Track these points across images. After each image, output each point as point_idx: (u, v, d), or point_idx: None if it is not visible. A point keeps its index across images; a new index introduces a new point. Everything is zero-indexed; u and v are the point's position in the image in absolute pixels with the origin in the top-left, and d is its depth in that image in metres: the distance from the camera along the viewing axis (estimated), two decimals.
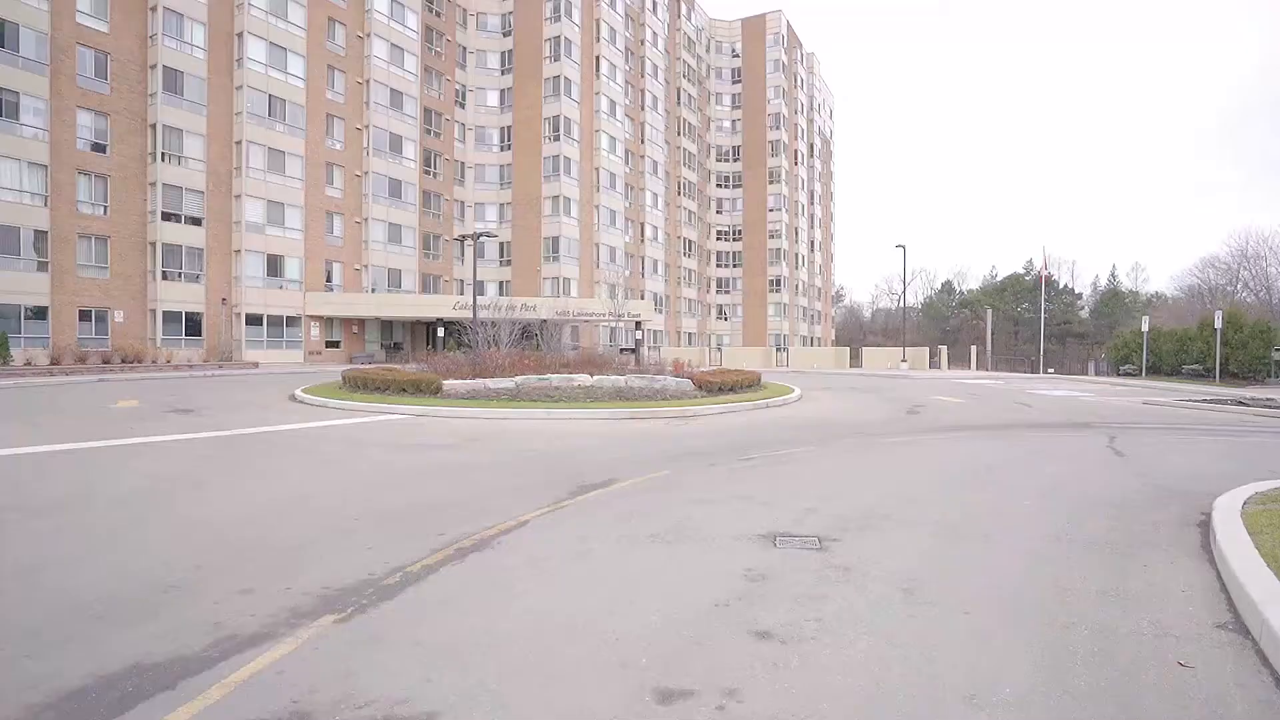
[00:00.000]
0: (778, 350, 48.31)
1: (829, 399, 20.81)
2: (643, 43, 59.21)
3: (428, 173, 47.25)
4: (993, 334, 50.04)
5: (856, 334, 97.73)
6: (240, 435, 11.87)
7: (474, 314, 22.15)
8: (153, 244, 33.48)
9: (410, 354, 39.78)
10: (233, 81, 36.07)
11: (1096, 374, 40.52)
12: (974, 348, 49.03)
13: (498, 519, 6.26)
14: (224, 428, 12.61)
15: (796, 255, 75.93)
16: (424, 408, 15.71)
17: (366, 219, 42.64)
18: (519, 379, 19.78)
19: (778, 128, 71.31)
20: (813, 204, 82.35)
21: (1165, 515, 6.43)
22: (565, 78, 49.41)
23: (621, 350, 49.72)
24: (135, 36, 33.19)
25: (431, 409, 15.56)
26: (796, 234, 76.08)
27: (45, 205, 30.26)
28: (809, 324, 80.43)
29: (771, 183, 71.63)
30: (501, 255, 52.34)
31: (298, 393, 18.60)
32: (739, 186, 73.45)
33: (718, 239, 74.04)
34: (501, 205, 51.97)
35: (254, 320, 36.67)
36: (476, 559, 5.11)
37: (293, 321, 38.45)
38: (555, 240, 49.64)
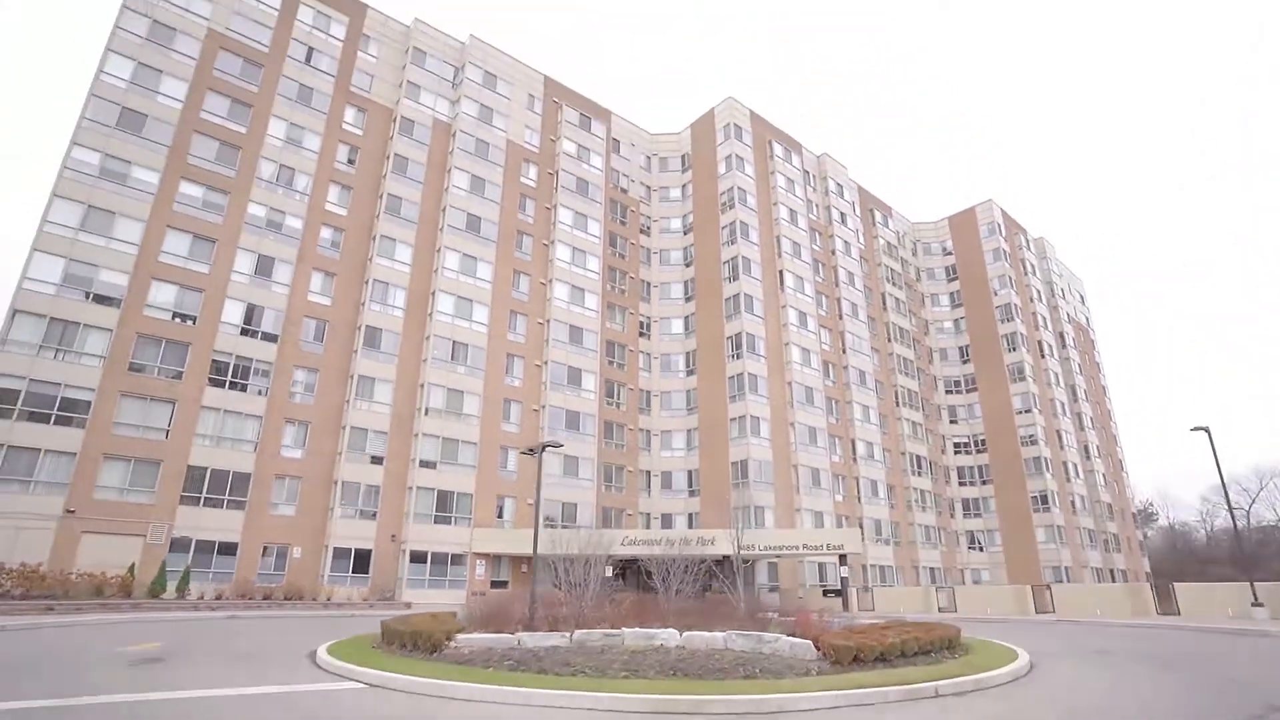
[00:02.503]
0: (938, 589, 36.06)
1: (1088, 680, 11.82)
2: (833, 253, 57.10)
3: (609, 403, 46.61)
4: None
5: (1189, 563, 72.71)
6: (117, 704, 8.25)
7: (534, 547, 17.35)
8: (336, 482, 35.11)
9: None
10: (422, 332, 39.60)
11: None
12: None
13: None
14: (139, 689, 9.18)
15: (1065, 464, 60.86)
16: (394, 675, 11.09)
17: None
18: (581, 634, 14.55)
19: (1010, 319, 62.01)
20: (1076, 401, 67.70)
21: None
22: (745, 294, 47.94)
23: (825, 592, 40.41)
24: (351, 304, 38.40)
25: (402, 677, 10.98)
26: (1060, 438, 61.82)
27: (254, 451, 33.49)
28: (1101, 551, 61.41)
29: (1015, 381, 60.70)
30: (690, 485, 48.06)
31: (319, 650, 14.93)
32: (973, 390, 63.35)
33: (956, 452, 62.66)
34: (689, 431, 48.99)
35: (419, 558, 35.67)
36: None
37: (458, 559, 36.89)
38: (743, 464, 44.46)
